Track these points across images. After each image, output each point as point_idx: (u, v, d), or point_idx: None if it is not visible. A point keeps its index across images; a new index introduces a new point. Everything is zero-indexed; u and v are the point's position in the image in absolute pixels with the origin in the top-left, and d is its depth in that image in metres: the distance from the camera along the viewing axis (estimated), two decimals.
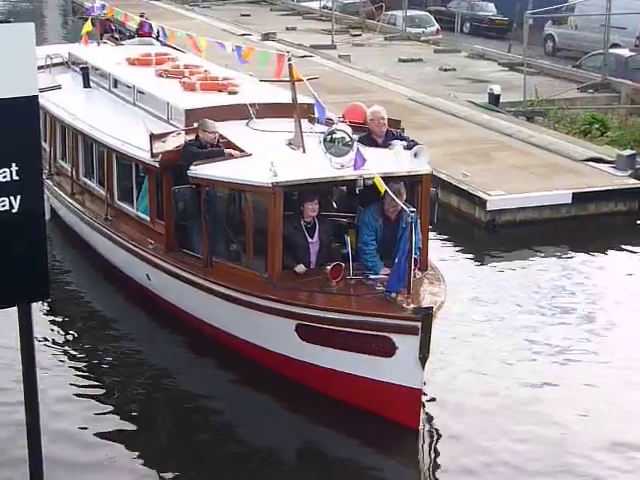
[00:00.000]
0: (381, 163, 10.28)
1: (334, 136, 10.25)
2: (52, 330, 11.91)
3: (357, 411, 9.73)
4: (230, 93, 13.07)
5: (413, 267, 9.41)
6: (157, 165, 11.34)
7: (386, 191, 9.67)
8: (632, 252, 15.18)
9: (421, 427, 9.59)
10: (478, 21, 40.64)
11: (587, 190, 16.77)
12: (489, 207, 16.09)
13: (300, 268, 10.26)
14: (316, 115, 11.36)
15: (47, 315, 12.26)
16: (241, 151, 11.10)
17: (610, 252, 15.19)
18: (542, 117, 23.06)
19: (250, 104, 12.11)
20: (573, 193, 16.56)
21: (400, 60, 32.03)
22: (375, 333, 9.43)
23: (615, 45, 29.24)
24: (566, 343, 11.70)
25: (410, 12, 38.76)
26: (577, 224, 16.33)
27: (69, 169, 14.54)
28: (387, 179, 9.75)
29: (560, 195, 16.52)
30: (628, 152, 18.14)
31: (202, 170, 10.71)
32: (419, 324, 9.09)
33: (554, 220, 16.38)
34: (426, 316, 9.07)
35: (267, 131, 11.75)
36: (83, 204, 13.91)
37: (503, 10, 40.26)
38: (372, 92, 24.73)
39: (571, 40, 34.64)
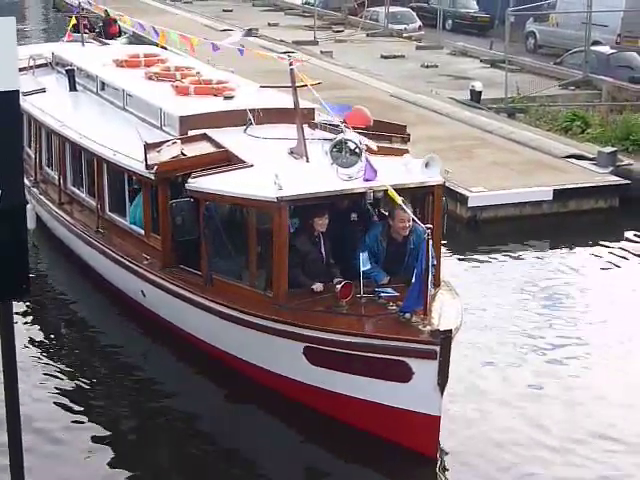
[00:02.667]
0: (390, 174, 9.70)
1: (341, 146, 9.57)
2: (39, 345, 11.50)
3: (371, 438, 9.23)
4: (226, 98, 12.42)
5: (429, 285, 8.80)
6: (152, 177, 10.70)
7: (394, 209, 9.41)
8: (612, 248, 15.28)
9: (439, 455, 9.06)
10: (460, 18, 40.69)
11: (568, 187, 16.86)
12: (470, 204, 16.17)
13: (318, 287, 9.69)
14: (317, 120, 11.00)
15: (33, 325, 12.03)
16: (241, 161, 10.49)
17: (590, 249, 15.28)
18: (523, 114, 23.15)
19: (250, 110, 11.47)
20: (554, 190, 16.65)
21: (382, 56, 32.08)
22: (390, 357, 8.83)
23: (596, 42, 29.33)
24: (550, 341, 11.74)
25: (392, 9, 38.83)
26: (558, 221, 16.43)
27: (56, 177, 13.92)
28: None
29: (541, 192, 16.61)
30: (609, 149, 18.24)
31: (201, 183, 10.15)
32: (438, 348, 8.52)
33: (535, 217, 16.46)
34: (445, 339, 8.50)
35: (267, 138, 11.15)
36: (72, 215, 13.27)
37: (485, 7, 40.37)
38: (354, 88, 24.81)
39: (552, 37, 34.77)
